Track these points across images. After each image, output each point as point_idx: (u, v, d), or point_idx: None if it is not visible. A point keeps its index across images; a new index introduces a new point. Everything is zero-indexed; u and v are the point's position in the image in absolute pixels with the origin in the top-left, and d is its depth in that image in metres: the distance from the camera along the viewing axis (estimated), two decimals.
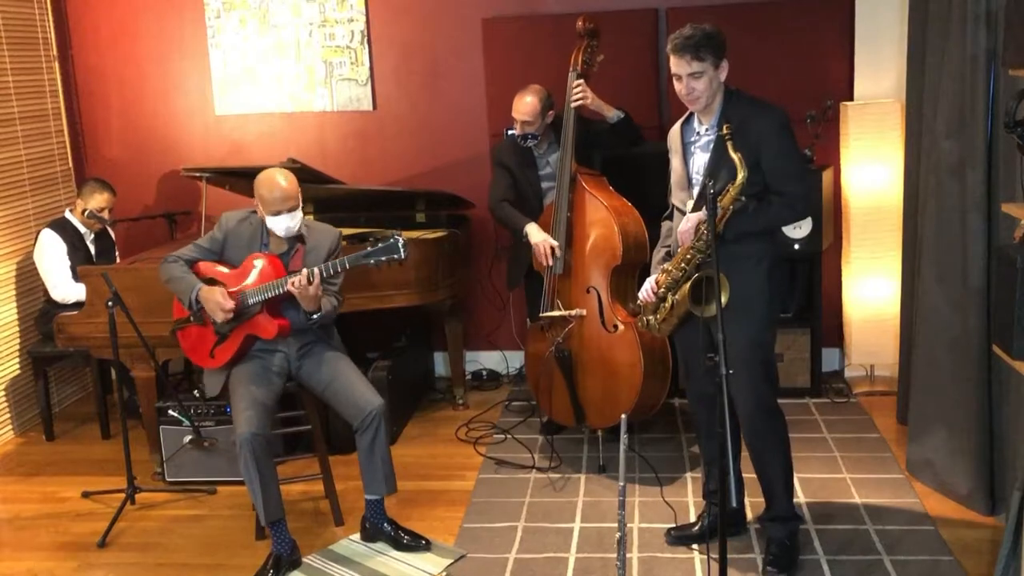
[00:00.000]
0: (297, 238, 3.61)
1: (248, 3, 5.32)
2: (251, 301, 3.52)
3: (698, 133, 3.27)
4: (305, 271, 3.42)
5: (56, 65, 5.41)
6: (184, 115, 5.51)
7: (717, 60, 3.14)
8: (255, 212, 3.64)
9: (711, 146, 3.20)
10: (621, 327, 4.01)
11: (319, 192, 4.70)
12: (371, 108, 5.35)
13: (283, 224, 3.51)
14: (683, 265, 3.20)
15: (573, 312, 4.12)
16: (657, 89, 5.04)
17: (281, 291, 3.46)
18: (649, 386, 4.01)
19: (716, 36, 3.14)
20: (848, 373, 5.13)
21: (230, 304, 3.50)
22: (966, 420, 3.64)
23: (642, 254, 4.05)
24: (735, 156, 2.98)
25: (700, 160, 3.24)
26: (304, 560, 3.52)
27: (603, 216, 4.04)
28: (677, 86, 3.19)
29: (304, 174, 4.31)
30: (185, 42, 5.43)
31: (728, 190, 3.04)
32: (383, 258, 3.39)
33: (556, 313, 4.15)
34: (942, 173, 3.71)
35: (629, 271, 4.11)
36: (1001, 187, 3.44)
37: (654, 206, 4.06)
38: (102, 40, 5.48)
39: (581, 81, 4.10)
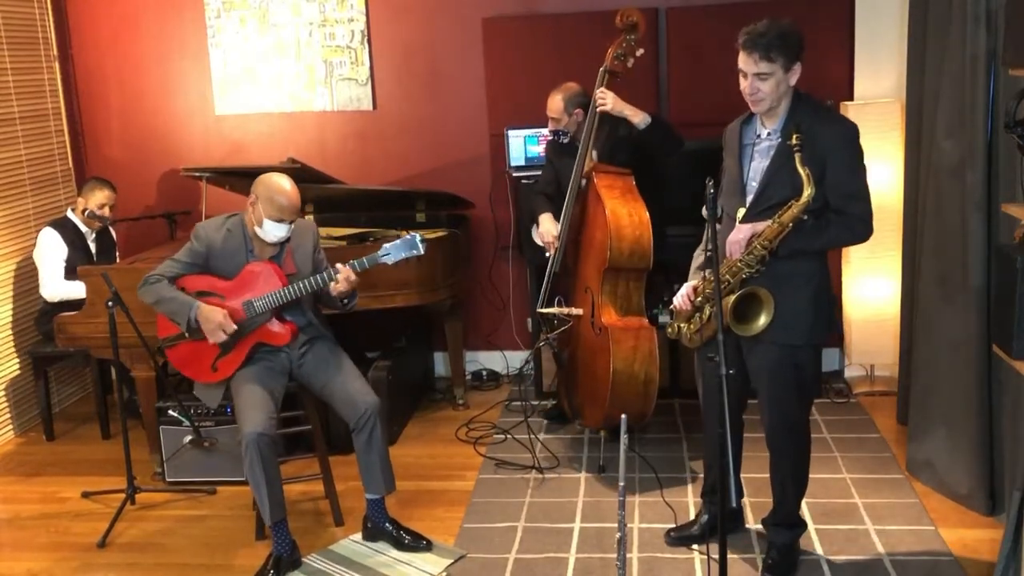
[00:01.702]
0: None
1: (248, 3, 5.32)
2: (259, 311, 3.51)
3: (759, 136, 3.05)
4: (345, 269, 3.40)
5: (56, 65, 5.41)
6: (184, 115, 5.51)
7: (789, 62, 2.89)
8: (231, 217, 3.61)
9: (771, 152, 2.99)
10: (603, 331, 3.94)
11: (319, 192, 4.70)
12: (371, 108, 5.35)
13: (279, 232, 3.49)
14: (728, 277, 2.99)
15: (566, 311, 4.12)
16: (656, 90, 5.03)
17: (292, 296, 3.46)
18: (621, 394, 3.87)
19: (791, 36, 2.89)
20: (848, 373, 5.13)
21: (232, 327, 3.48)
22: (966, 420, 3.64)
23: (640, 261, 3.95)
24: (803, 171, 2.77)
25: (758, 165, 3.02)
26: (304, 560, 3.53)
27: (600, 217, 3.97)
28: (742, 83, 2.96)
29: (304, 174, 4.32)
30: (185, 42, 5.43)
31: (791, 206, 2.84)
32: (403, 255, 3.38)
33: (547, 311, 4.19)
34: (942, 173, 3.71)
35: (626, 276, 4.00)
36: (1001, 187, 3.44)
37: (674, 208, 4.07)
38: (102, 40, 5.48)
39: (603, 88, 3.98)
